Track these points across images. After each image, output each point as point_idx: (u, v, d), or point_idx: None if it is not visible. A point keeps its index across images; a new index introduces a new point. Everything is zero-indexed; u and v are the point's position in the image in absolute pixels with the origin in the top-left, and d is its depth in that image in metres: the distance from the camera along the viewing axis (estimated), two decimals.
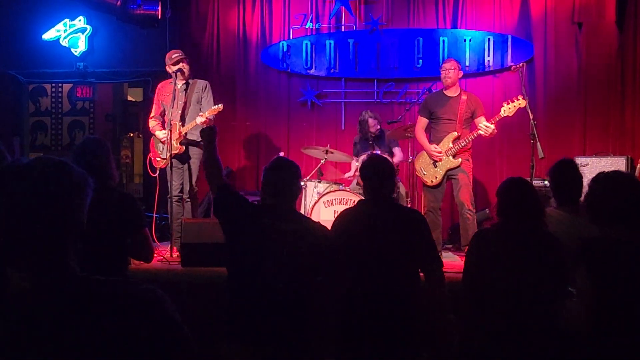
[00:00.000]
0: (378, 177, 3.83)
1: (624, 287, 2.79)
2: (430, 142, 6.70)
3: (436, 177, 6.63)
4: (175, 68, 6.64)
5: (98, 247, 3.45)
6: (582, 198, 3.87)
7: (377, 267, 3.63)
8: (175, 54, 6.73)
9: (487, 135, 6.46)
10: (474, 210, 6.55)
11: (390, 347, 3.60)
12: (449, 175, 6.61)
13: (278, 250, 3.28)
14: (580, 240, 2.98)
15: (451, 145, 6.55)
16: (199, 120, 6.44)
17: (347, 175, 7.80)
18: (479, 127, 6.43)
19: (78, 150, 3.77)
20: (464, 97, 6.64)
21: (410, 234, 3.73)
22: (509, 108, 6.43)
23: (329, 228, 3.78)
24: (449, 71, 6.67)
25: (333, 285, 3.49)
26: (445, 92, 6.78)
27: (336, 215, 3.99)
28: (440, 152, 6.57)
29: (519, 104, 6.40)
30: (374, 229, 3.69)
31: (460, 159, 6.54)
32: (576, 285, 3.00)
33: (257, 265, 3.29)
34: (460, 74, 6.76)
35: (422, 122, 6.84)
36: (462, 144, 6.52)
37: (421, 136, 6.80)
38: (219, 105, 6.50)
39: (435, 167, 6.64)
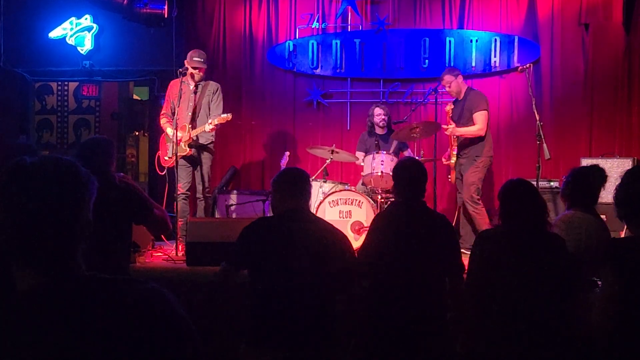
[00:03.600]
0: (410, 180, 3.90)
1: None
2: None
3: (449, 178, 7.11)
4: (191, 70, 6.69)
5: (101, 244, 3.51)
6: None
7: (405, 270, 3.68)
8: (196, 58, 6.75)
9: (449, 134, 6.83)
10: (476, 206, 6.73)
11: (415, 352, 3.62)
12: (460, 172, 6.96)
13: (302, 249, 3.37)
14: (608, 240, 2.90)
15: (453, 144, 6.94)
16: (207, 128, 6.50)
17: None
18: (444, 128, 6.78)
19: (81, 148, 3.82)
20: (467, 96, 6.86)
21: (437, 239, 3.78)
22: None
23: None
24: (447, 86, 7.01)
25: (351, 286, 3.57)
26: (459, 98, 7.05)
27: (373, 218, 4.14)
28: (446, 159, 7.05)
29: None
30: (404, 232, 3.75)
31: (454, 158, 6.90)
32: (602, 287, 2.95)
33: (284, 266, 3.35)
34: (459, 79, 6.97)
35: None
36: (455, 142, 6.86)
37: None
38: (228, 114, 6.56)
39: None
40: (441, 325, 3.71)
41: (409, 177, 3.89)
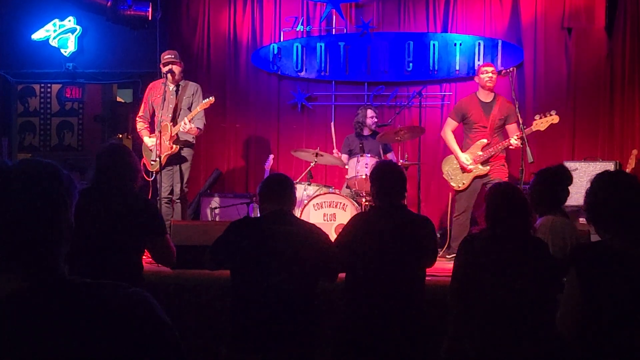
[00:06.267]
0: (389, 183, 3.92)
1: (614, 297, 2.77)
2: (461, 147, 6.80)
3: (463, 183, 6.75)
4: (165, 69, 6.68)
5: (113, 251, 3.50)
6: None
7: (384, 272, 3.72)
8: (167, 56, 6.77)
9: (518, 147, 6.42)
10: None
11: (392, 352, 3.65)
12: (483, 182, 6.66)
13: (283, 251, 3.40)
14: (572, 246, 2.94)
15: (480, 153, 6.63)
16: (185, 128, 6.50)
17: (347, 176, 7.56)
18: (508, 142, 6.43)
19: (97, 157, 3.79)
20: (497, 102, 6.60)
21: (419, 240, 3.82)
22: (542, 122, 6.39)
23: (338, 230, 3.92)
24: (493, 76, 6.70)
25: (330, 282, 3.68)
26: (478, 95, 6.80)
27: (350, 218, 4.13)
28: (470, 164, 6.64)
29: (552, 119, 6.37)
30: (384, 234, 3.77)
31: (488, 167, 6.62)
32: (564, 291, 2.99)
33: (264, 267, 3.38)
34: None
35: (452, 124, 6.94)
36: (492, 153, 6.56)
37: (451, 140, 6.89)
38: (210, 98, 6.56)
39: (463, 172, 6.73)
40: (419, 327, 3.76)
41: (393, 179, 3.93)
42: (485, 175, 6.65)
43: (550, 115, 6.40)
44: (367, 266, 3.72)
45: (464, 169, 6.75)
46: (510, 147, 6.44)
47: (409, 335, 3.70)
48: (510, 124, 6.66)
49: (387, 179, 3.93)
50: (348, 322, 3.77)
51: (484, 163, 6.64)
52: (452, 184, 6.88)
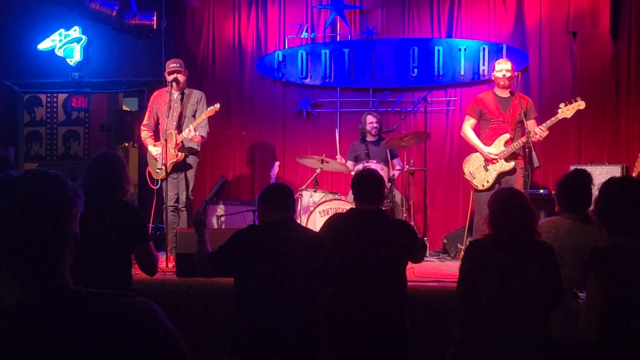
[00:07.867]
0: (366, 188, 4.04)
1: (634, 296, 2.80)
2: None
3: (487, 182, 6.51)
4: (170, 78, 6.70)
5: (101, 258, 3.50)
6: (591, 206, 3.92)
7: (363, 273, 3.79)
8: (172, 64, 6.79)
9: (540, 140, 6.32)
10: None
11: (376, 351, 3.68)
12: (501, 181, 6.45)
13: (291, 258, 3.43)
14: (590, 249, 2.98)
15: (503, 148, 6.44)
16: (190, 135, 6.52)
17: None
18: (533, 132, 6.21)
19: (88, 165, 3.81)
20: (516, 98, 6.42)
21: (397, 241, 3.89)
22: (567, 110, 6.23)
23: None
24: (508, 72, 6.54)
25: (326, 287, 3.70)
26: (496, 92, 6.67)
27: (327, 218, 4.20)
28: (496, 155, 6.41)
29: (578, 105, 6.21)
30: (362, 236, 3.84)
31: (513, 163, 6.42)
32: (586, 295, 3.02)
33: (271, 275, 3.40)
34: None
35: (471, 121, 6.73)
36: (516, 147, 6.37)
37: (471, 136, 6.68)
38: (216, 105, 6.58)
39: (487, 170, 6.53)
40: (400, 329, 3.83)
41: (367, 184, 4.06)
42: (509, 171, 6.43)
43: (577, 101, 6.22)
44: (342, 262, 3.76)
45: (488, 162, 6.51)
46: (535, 137, 6.20)
47: (391, 335, 3.76)
48: (529, 120, 6.45)
49: (364, 185, 4.03)
50: (332, 322, 3.81)
51: (507, 159, 6.42)
52: (475, 183, 6.61)
